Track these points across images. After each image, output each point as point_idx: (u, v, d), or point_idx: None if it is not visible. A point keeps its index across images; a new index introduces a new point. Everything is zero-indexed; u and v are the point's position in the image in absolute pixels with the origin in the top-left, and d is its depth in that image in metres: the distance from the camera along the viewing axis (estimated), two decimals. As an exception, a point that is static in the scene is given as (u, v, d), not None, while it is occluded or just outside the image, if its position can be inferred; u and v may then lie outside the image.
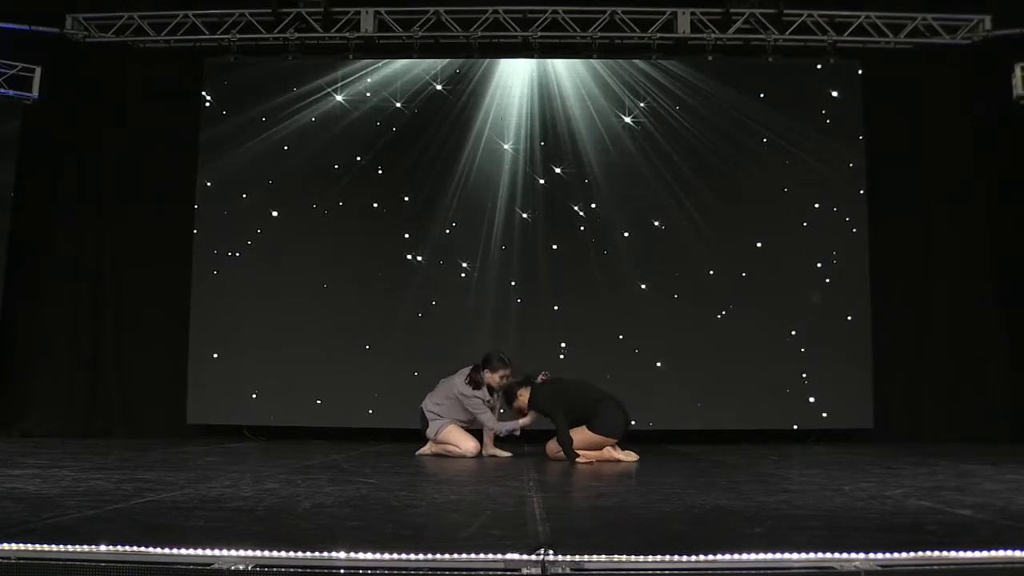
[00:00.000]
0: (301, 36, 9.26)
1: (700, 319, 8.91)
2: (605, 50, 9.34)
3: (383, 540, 2.79)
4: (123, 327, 9.21)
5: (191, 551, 2.49)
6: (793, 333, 8.88)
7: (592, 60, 9.25)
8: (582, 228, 9.07)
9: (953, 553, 2.51)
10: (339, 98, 9.23)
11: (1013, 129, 9.00)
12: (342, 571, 2.41)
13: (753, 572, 2.42)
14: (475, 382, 6.70)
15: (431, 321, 8.93)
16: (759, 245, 9.02)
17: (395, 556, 2.46)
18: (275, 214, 9.15)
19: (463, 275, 9.02)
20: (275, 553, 2.47)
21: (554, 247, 9.02)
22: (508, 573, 2.39)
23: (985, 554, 2.51)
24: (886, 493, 4.12)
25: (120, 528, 3.00)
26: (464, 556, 2.47)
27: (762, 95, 9.15)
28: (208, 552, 2.48)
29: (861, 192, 9.05)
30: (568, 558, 2.44)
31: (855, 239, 8.98)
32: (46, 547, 2.54)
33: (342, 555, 2.47)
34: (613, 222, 9.06)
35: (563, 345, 8.77)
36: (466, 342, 8.52)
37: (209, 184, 9.13)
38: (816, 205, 9.08)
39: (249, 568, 2.39)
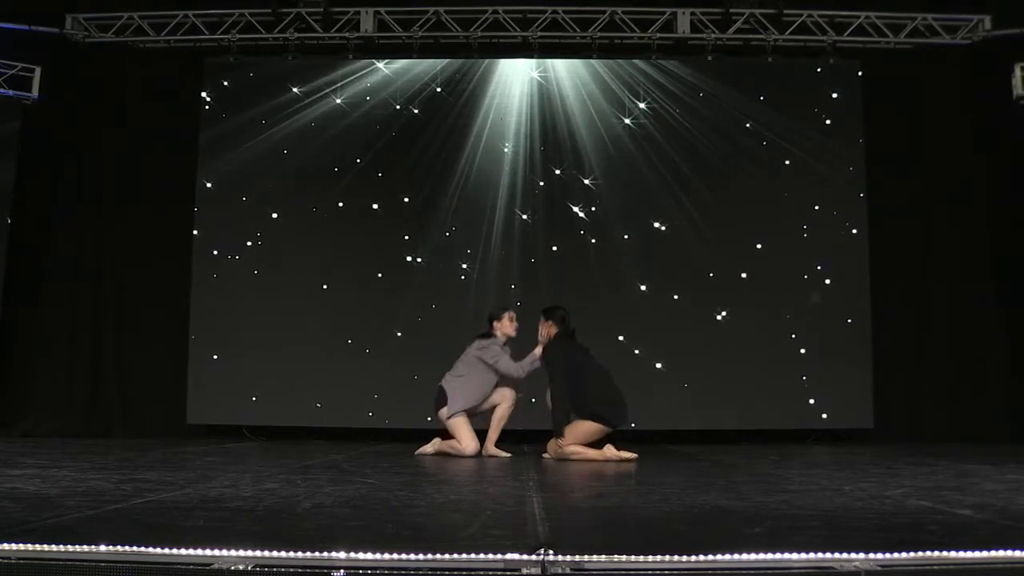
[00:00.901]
0: (301, 36, 9.26)
1: (700, 319, 8.92)
2: (605, 50, 9.35)
3: (383, 540, 2.78)
4: (123, 327, 9.21)
5: (191, 551, 2.48)
6: (793, 334, 8.88)
7: (592, 60, 9.24)
8: (582, 230, 9.07)
9: (953, 553, 2.50)
10: (339, 99, 9.23)
11: (1013, 129, 8.99)
12: (342, 571, 2.40)
13: (753, 572, 2.42)
14: (488, 337, 6.82)
15: (431, 322, 8.94)
16: (759, 246, 9.01)
17: (395, 556, 2.45)
18: (275, 214, 9.16)
19: (463, 276, 9.03)
20: (275, 553, 2.46)
21: (554, 248, 9.02)
22: (508, 573, 2.39)
23: (985, 554, 2.50)
24: (886, 493, 4.11)
25: (120, 528, 2.99)
26: (464, 556, 2.46)
27: (762, 95, 9.16)
28: (208, 552, 2.47)
29: (861, 192, 9.05)
30: (568, 558, 2.44)
31: (855, 239, 8.99)
32: (46, 547, 2.53)
33: (342, 555, 2.46)
34: (613, 223, 9.07)
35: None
36: (467, 343, 8.50)
37: (209, 185, 9.14)
38: (816, 206, 9.09)
39: (249, 568, 2.38)
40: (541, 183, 9.15)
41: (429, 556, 2.45)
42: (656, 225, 9.05)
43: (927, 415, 8.91)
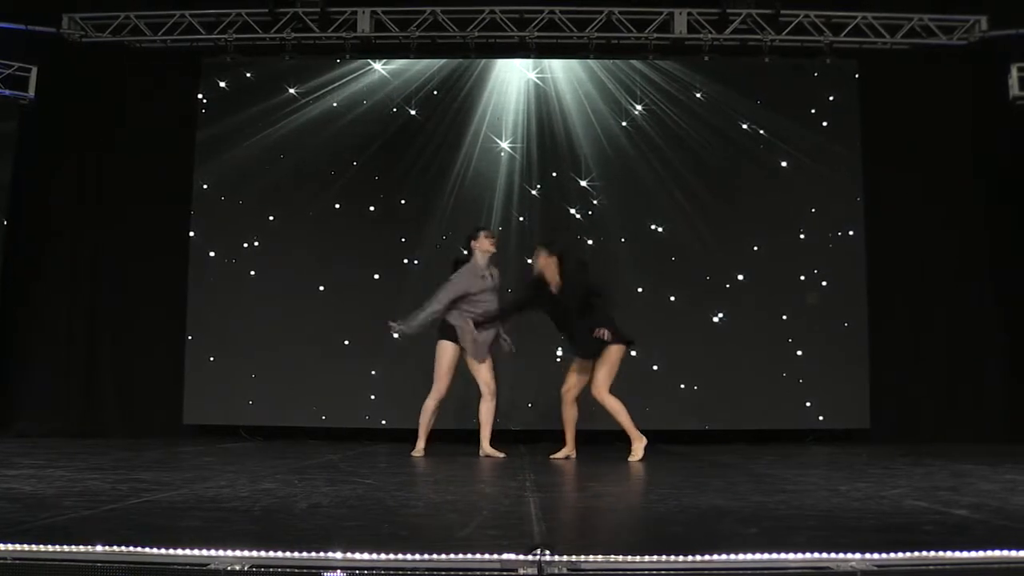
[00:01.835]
0: (298, 36, 9.24)
1: (697, 321, 8.90)
2: (602, 50, 9.33)
3: (379, 540, 2.79)
4: (120, 327, 9.19)
5: (187, 551, 2.48)
6: (790, 334, 8.86)
7: (589, 60, 9.24)
8: (578, 231, 9.04)
9: (949, 553, 2.51)
10: (336, 99, 9.21)
11: (1011, 129, 8.99)
12: (338, 571, 2.40)
13: (750, 572, 2.42)
14: (462, 263, 6.85)
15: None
16: (755, 248, 8.98)
17: (391, 556, 2.46)
18: (272, 215, 9.13)
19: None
20: (271, 553, 2.46)
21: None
22: (504, 573, 2.39)
23: (981, 554, 2.51)
24: (883, 493, 4.12)
25: (116, 528, 3.00)
26: (460, 556, 2.47)
27: (759, 96, 9.13)
28: (204, 552, 2.48)
29: (858, 193, 9.02)
30: (564, 558, 2.44)
31: (852, 239, 8.98)
32: (42, 547, 2.53)
33: (338, 555, 2.47)
34: (610, 224, 9.04)
35: (559, 347, 8.73)
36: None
37: (206, 186, 9.11)
38: (813, 206, 9.06)
39: (245, 568, 2.39)
40: (538, 184, 9.13)
41: (426, 556, 2.45)
42: (653, 227, 9.04)
43: (924, 415, 8.89)
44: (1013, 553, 2.51)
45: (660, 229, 9.06)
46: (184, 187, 9.08)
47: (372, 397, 8.84)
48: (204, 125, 9.16)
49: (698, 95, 9.15)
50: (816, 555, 2.49)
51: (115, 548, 2.51)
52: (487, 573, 2.39)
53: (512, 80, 9.26)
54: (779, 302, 8.92)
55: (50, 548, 2.53)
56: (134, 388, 9.11)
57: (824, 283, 8.94)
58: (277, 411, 8.81)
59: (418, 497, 4.01)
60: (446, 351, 6.77)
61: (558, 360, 8.68)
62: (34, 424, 8.85)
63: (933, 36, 9.18)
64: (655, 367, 8.82)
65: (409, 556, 2.45)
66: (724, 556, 2.46)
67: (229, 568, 2.38)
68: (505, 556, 2.46)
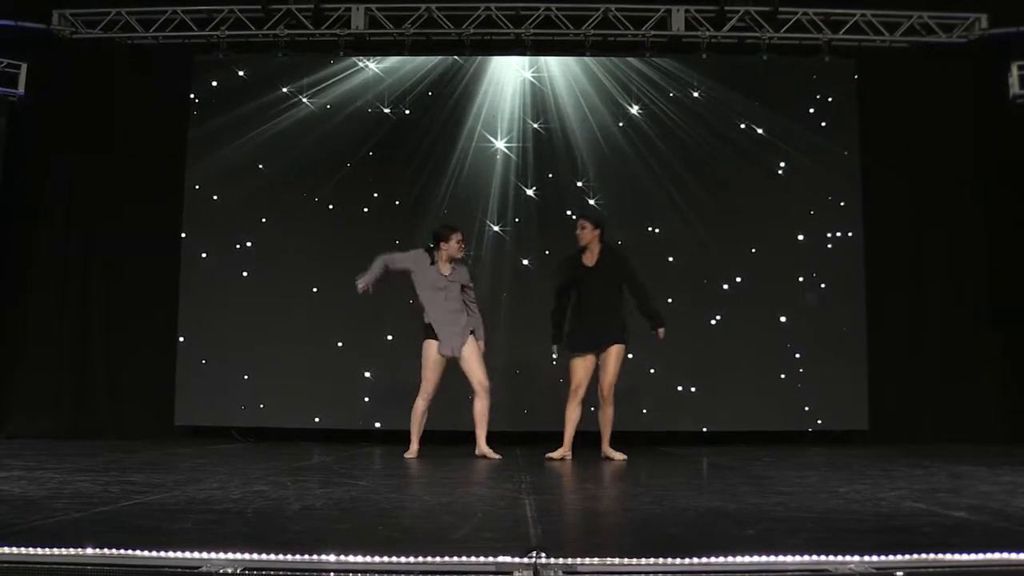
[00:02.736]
0: (291, 33, 9.20)
1: (695, 322, 8.82)
2: (598, 48, 9.29)
3: (373, 543, 2.77)
4: (111, 328, 9.12)
5: (179, 554, 2.47)
6: (788, 336, 8.82)
7: (585, 58, 9.20)
8: (574, 230, 8.94)
9: (948, 555, 2.51)
10: (329, 97, 9.15)
11: (1010, 128, 8.97)
12: (332, 574, 2.40)
13: (747, 575, 2.41)
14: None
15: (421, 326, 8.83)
16: (753, 249, 8.92)
17: (385, 559, 2.45)
18: (264, 214, 9.07)
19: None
20: (264, 556, 2.46)
21: (547, 252, 8.89)
22: (500, 576, 2.38)
23: (980, 556, 2.51)
24: (881, 495, 4.11)
25: (107, 531, 2.98)
26: (455, 559, 2.46)
27: (757, 94, 9.08)
28: (196, 555, 2.47)
29: (856, 192, 8.98)
30: (560, 561, 2.43)
31: (851, 239, 8.94)
32: (32, 550, 2.52)
33: (332, 558, 2.46)
34: (606, 224, 8.95)
35: (555, 347, 8.69)
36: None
37: (197, 186, 9.04)
38: (811, 206, 9.02)
39: (238, 571, 2.38)
40: (534, 185, 9.08)
41: (420, 559, 2.45)
42: (650, 228, 8.99)
43: (923, 416, 8.85)
44: (1012, 555, 2.51)
45: (657, 230, 9.03)
46: (176, 186, 9.02)
47: (366, 399, 8.79)
48: (196, 123, 9.10)
49: (695, 94, 9.12)
50: (814, 557, 2.49)
51: (106, 551, 2.50)
52: (482, 576, 2.37)
53: (507, 79, 9.22)
54: (777, 302, 8.88)
55: (40, 551, 2.51)
56: (126, 389, 9.05)
57: (822, 282, 8.91)
58: (269, 413, 8.76)
59: (413, 499, 3.99)
60: (429, 350, 6.70)
61: (553, 363, 8.63)
62: (25, 425, 8.80)
63: (933, 34, 9.17)
64: (652, 369, 8.78)
65: (403, 559, 2.44)
66: (721, 558, 2.46)
67: (221, 571, 2.37)
68: (500, 559, 2.45)
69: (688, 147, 9.03)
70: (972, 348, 8.96)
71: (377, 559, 2.45)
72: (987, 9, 8.99)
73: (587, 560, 2.44)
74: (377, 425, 8.77)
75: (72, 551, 2.50)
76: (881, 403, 8.77)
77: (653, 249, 8.96)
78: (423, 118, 9.12)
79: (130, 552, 2.49)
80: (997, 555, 2.51)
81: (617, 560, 2.45)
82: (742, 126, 9.07)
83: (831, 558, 2.46)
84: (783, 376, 8.79)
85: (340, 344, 8.86)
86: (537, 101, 9.15)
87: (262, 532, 3.03)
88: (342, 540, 2.88)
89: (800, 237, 8.99)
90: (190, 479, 4.71)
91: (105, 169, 9.22)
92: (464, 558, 2.46)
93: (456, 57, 9.23)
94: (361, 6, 9.10)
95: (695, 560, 2.45)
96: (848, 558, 2.46)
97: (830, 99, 9.14)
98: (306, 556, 2.46)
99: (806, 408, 8.74)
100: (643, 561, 2.44)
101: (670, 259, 8.98)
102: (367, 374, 8.83)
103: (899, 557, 2.48)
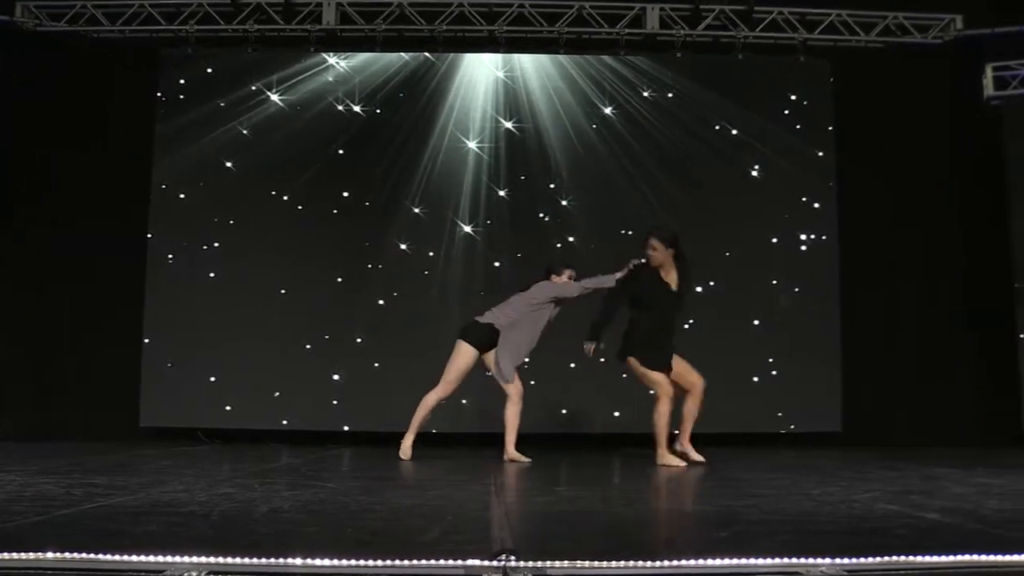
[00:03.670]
0: (261, 28, 9.09)
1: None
2: (572, 46, 9.26)
3: (341, 546, 2.74)
4: (77, 328, 8.97)
5: (142, 558, 2.44)
6: (762, 338, 8.81)
7: (559, 56, 9.18)
8: (547, 232, 8.94)
9: (920, 557, 2.51)
10: (299, 94, 9.06)
11: (985, 129, 9.06)
12: (298, 578, 2.37)
13: (719, 578, 2.40)
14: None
15: (392, 327, 8.77)
16: (728, 253, 8.90)
17: (353, 562, 2.43)
18: (232, 213, 8.95)
19: (425, 279, 8.82)
20: (229, 559, 2.43)
21: (519, 255, 8.84)
22: (469, 580, 2.36)
23: (952, 558, 2.51)
24: (854, 497, 4.12)
25: (69, 534, 2.94)
26: (424, 562, 2.44)
27: (732, 95, 9.08)
28: (160, 559, 2.43)
29: (831, 193, 9.00)
30: (530, 564, 2.41)
31: (825, 240, 8.96)
32: (-11, 555, 2.46)
33: (298, 561, 2.44)
34: (579, 225, 8.96)
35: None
36: (431, 348, 8.42)
37: (164, 184, 8.91)
38: (785, 207, 9.02)
39: (202, 575, 2.35)
40: (506, 185, 9.03)
41: (388, 562, 2.43)
42: (623, 231, 8.91)
43: (897, 418, 8.90)
44: (984, 557, 2.52)
45: (631, 232, 8.97)
46: (143, 182, 8.89)
47: (335, 402, 8.71)
48: (163, 120, 8.98)
49: (670, 94, 9.12)
50: (787, 560, 2.48)
51: (67, 555, 2.46)
52: (451, 580, 2.36)
53: (480, 77, 9.18)
54: (750, 302, 8.87)
55: (-2, 556, 2.46)
56: (91, 390, 8.89)
57: (796, 283, 8.92)
58: (237, 414, 8.65)
59: (382, 501, 3.94)
60: (466, 355, 6.60)
61: (526, 365, 8.57)
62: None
63: (908, 34, 9.24)
64: (624, 374, 8.71)
65: (372, 562, 2.42)
66: (694, 561, 2.45)
67: (186, 575, 2.35)
68: (470, 562, 2.43)
69: (663, 147, 9.02)
70: (947, 349, 9.02)
71: (345, 562, 2.42)
72: (962, 10, 9.06)
73: (557, 563, 2.42)
74: (346, 428, 8.69)
75: (32, 555, 2.45)
76: (855, 405, 8.80)
77: (627, 251, 8.89)
78: (394, 116, 9.05)
79: (93, 556, 2.46)
80: (970, 557, 2.52)
81: (588, 563, 2.43)
82: (716, 127, 9.07)
83: (803, 560, 2.46)
84: (756, 379, 8.79)
85: (308, 346, 8.77)
86: (510, 99, 9.11)
87: (228, 535, 2.99)
88: (309, 543, 2.85)
89: (774, 241, 9.00)
90: (155, 481, 4.64)
91: (70, 167, 9.05)
92: (433, 561, 2.45)
93: (428, 55, 9.17)
94: (332, 1, 9.03)
95: (667, 563, 2.44)
96: (820, 560, 2.45)
97: (805, 100, 9.16)
98: (273, 559, 2.43)
99: (779, 411, 8.75)
100: (614, 564, 2.42)
101: (643, 261, 8.92)
102: (335, 376, 8.74)
103: (872, 559, 2.48)
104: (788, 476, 5.34)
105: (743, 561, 2.46)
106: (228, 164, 8.98)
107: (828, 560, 2.45)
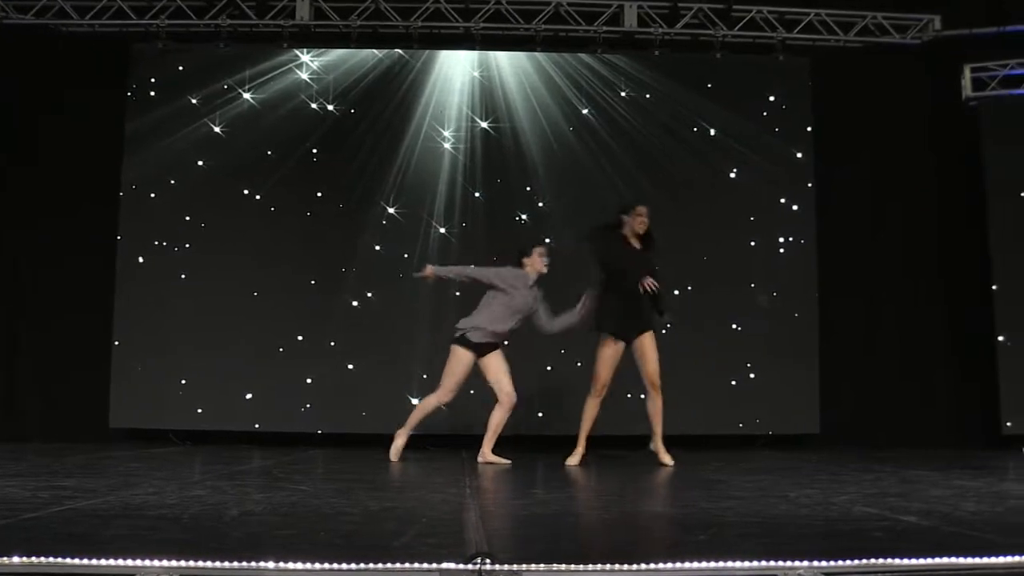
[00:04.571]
0: (233, 23, 8.98)
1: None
2: (549, 43, 9.23)
3: (314, 549, 2.73)
4: (43, 327, 8.80)
5: (112, 561, 2.43)
6: (739, 339, 8.79)
7: (536, 54, 9.14)
8: (523, 234, 8.87)
9: (897, 560, 2.52)
10: (272, 91, 8.94)
11: (963, 130, 9.12)
12: (270, 582, 2.35)
13: (697, 581, 2.40)
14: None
15: (365, 328, 8.68)
16: (705, 257, 8.86)
17: (326, 565, 2.42)
18: (203, 213, 8.81)
19: (399, 280, 8.74)
20: (200, 563, 2.42)
21: (495, 258, 8.76)
22: (444, 583, 2.35)
23: (929, 561, 2.53)
24: (831, 499, 4.13)
25: (36, 538, 2.91)
26: (398, 565, 2.43)
27: (710, 95, 9.06)
28: (130, 562, 2.42)
29: (809, 193, 9.00)
30: (505, 567, 2.41)
31: (803, 241, 8.95)
32: (-48, 561, 2.42)
33: (271, 564, 2.43)
34: (556, 226, 8.88)
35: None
36: (405, 351, 8.48)
37: (134, 185, 8.74)
38: (764, 208, 8.99)
39: (173, 579, 2.33)
40: (481, 185, 8.96)
41: (362, 565, 2.42)
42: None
43: (875, 421, 8.90)
44: (962, 560, 2.54)
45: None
46: (111, 180, 8.72)
47: (308, 406, 8.60)
48: (133, 116, 8.81)
49: (648, 94, 9.09)
50: (764, 562, 2.49)
51: (34, 559, 2.44)
52: (426, 583, 2.34)
53: (455, 76, 9.12)
54: (728, 303, 8.82)
55: (-38, 561, 2.42)
56: (58, 390, 8.72)
57: (774, 283, 8.90)
58: (208, 416, 8.53)
59: (355, 504, 3.91)
60: (463, 361, 6.59)
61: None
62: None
63: (887, 35, 9.29)
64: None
65: (344, 565, 2.42)
66: (670, 564, 2.45)
67: (155, 579, 2.33)
68: (445, 565, 2.43)
69: (640, 146, 8.96)
70: (925, 351, 9.06)
71: (318, 566, 2.41)
72: (940, 11, 9.13)
73: (532, 566, 2.42)
74: (319, 432, 8.61)
75: (-1, 560, 2.42)
76: (834, 407, 8.78)
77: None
78: (368, 114, 8.95)
79: (60, 560, 2.44)
80: (946, 559, 2.53)
81: (564, 566, 2.43)
82: (694, 128, 9.02)
83: (781, 563, 2.47)
84: (734, 382, 8.76)
85: (281, 348, 8.67)
86: (486, 98, 9.06)
87: (199, 538, 2.96)
88: (282, 546, 2.83)
89: (752, 243, 8.98)
90: (124, 484, 4.59)
91: (36, 162, 8.88)
92: (407, 564, 2.44)
93: (402, 52, 9.11)
94: (306, -4, 8.95)
95: (644, 566, 2.44)
96: (798, 563, 2.46)
97: (784, 100, 9.14)
98: (244, 563, 2.43)
99: (757, 414, 8.74)
100: (590, 567, 2.42)
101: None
102: (308, 380, 8.66)
103: (849, 562, 2.50)
104: (766, 478, 5.35)
105: (720, 564, 2.46)
106: (199, 161, 8.85)
107: (806, 563, 2.46)
